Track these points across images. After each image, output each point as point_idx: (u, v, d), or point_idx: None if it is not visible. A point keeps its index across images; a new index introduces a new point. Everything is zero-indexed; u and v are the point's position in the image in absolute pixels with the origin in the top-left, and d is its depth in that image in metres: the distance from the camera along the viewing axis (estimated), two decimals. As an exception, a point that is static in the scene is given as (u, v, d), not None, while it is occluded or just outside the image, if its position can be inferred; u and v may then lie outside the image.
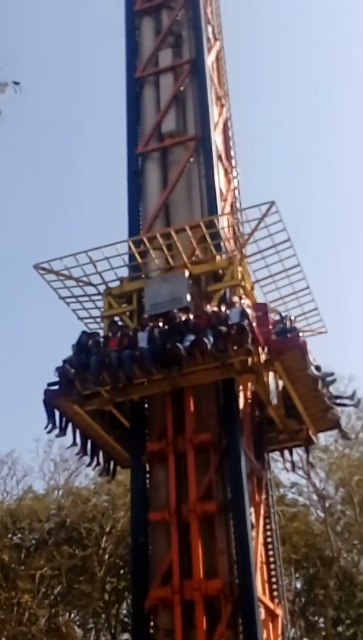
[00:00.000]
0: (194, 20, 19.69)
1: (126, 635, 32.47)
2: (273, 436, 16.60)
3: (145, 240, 16.35)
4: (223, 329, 14.00)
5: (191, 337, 14.08)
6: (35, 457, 38.18)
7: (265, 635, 13.95)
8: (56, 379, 15.10)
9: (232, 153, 19.72)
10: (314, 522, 32.44)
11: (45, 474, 37.50)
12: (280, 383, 15.73)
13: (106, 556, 31.79)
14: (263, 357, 14.50)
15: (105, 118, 62.38)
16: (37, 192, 63.69)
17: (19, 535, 33.83)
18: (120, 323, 16.29)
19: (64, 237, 60.00)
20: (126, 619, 32.34)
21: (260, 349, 14.31)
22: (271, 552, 15.64)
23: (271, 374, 15.49)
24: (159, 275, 16.38)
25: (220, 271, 15.95)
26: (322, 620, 31.74)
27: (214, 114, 18.92)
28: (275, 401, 15.67)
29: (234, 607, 13.35)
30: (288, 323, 15.58)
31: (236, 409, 14.77)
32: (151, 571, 14.08)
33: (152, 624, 13.75)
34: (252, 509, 14.77)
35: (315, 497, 32.93)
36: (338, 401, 16.91)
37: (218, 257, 16.07)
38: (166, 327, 14.64)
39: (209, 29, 20.52)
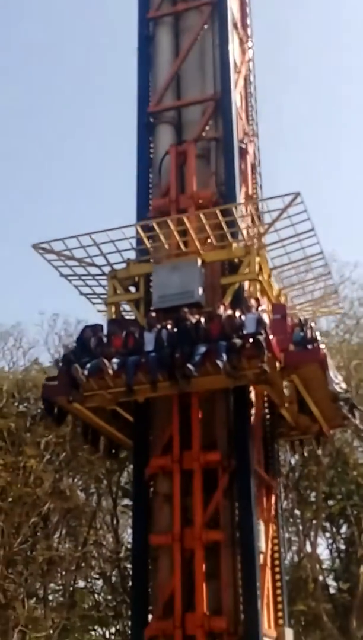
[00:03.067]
0: None
1: (126, 501, 34.02)
2: (284, 431, 16.17)
3: (155, 225, 14.96)
4: (237, 342, 12.87)
5: (202, 350, 12.97)
6: (41, 331, 38.67)
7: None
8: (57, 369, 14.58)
9: (248, 21, 18.73)
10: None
11: (50, 347, 38.18)
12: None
13: (109, 427, 32.77)
14: (278, 366, 13.48)
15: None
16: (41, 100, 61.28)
17: (25, 404, 34.81)
18: (125, 306, 15.58)
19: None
20: (126, 486, 33.75)
21: (276, 363, 13.33)
22: (268, 429, 16.09)
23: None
24: (169, 261, 15.03)
25: (236, 260, 14.80)
26: (313, 494, 33.08)
27: (231, -24, 17.78)
28: (288, 403, 14.76)
29: (231, 477, 13.90)
30: (308, 332, 14.22)
31: (247, 419, 14.13)
32: (152, 441, 14.55)
33: (152, 490, 14.38)
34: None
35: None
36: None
37: (234, 245, 14.78)
38: (175, 329, 13.59)
39: None
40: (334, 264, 35.55)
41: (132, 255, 15.53)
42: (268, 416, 16.08)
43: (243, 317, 13.35)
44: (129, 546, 32.53)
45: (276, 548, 15.19)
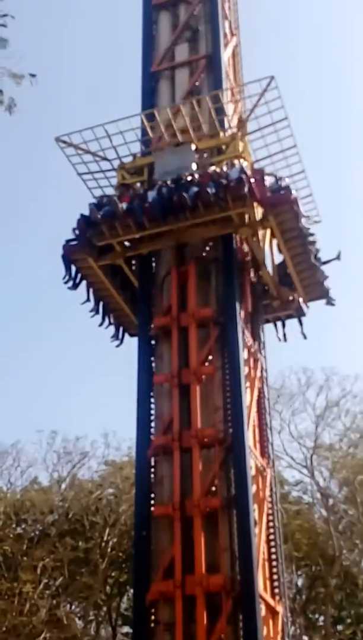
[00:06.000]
0: None
1: (126, 629, 32.65)
2: (268, 303, 17.88)
3: (156, 113, 17.52)
4: (224, 181, 15.41)
5: (195, 189, 15.50)
6: (39, 449, 38.41)
7: (265, 632, 13.96)
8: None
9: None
10: (317, 520, 32.47)
11: (48, 465, 37.72)
12: (275, 252, 17.11)
13: (109, 549, 31.92)
14: (258, 215, 15.67)
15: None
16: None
17: (23, 526, 34.00)
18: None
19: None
20: (126, 612, 32.50)
21: (255, 204, 15.47)
22: (273, 549, 15.66)
23: (267, 241, 16.69)
24: (168, 148, 17.50)
25: (224, 147, 17.12)
26: (322, 618, 31.83)
27: None
28: (269, 265, 17.10)
29: (235, 602, 13.37)
30: (282, 183, 16.71)
31: (234, 267, 15.99)
32: (153, 565, 14.14)
33: (153, 617, 13.81)
34: (256, 506, 14.84)
35: (318, 495, 32.96)
36: (325, 260, 17.72)
37: (221, 134, 17.29)
38: (174, 185, 15.91)
39: None
40: (334, 377, 36.04)
41: (137, 149, 17.83)
42: (271, 538, 15.74)
43: (228, 171, 15.78)
44: None
45: None
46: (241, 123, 17.52)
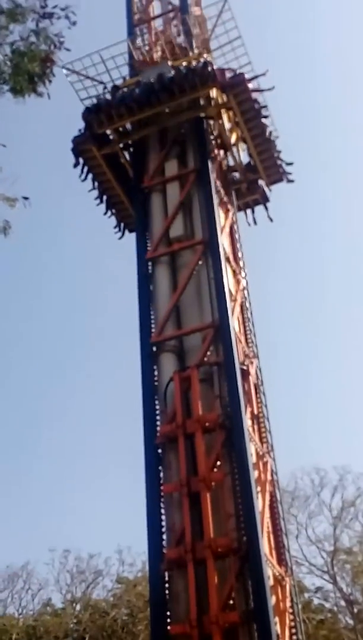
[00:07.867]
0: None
1: None
2: (238, 189, 20.92)
3: (138, 41, 21.52)
4: (192, 67, 19.04)
5: (172, 72, 19.03)
6: (51, 569, 37.02)
7: None
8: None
9: (239, 254, 20.01)
10: (343, 629, 30.90)
11: (61, 586, 36.32)
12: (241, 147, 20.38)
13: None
14: (222, 99, 19.11)
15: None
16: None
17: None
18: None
19: None
20: None
21: (218, 88, 18.85)
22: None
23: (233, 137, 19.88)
24: (150, 67, 20.84)
25: (193, 62, 19.88)
26: None
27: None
28: (234, 151, 20.31)
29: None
30: (238, 72, 19.52)
31: (206, 145, 19.17)
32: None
33: None
34: (277, 619, 14.23)
35: (342, 602, 31.55)
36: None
37: (190, 53, 20.68)
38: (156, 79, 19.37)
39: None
40: (348, 476, 35.28)
41: (126, 72, 21.24)
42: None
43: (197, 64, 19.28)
44: None
45: None
46: (205, 42, 21.43)
